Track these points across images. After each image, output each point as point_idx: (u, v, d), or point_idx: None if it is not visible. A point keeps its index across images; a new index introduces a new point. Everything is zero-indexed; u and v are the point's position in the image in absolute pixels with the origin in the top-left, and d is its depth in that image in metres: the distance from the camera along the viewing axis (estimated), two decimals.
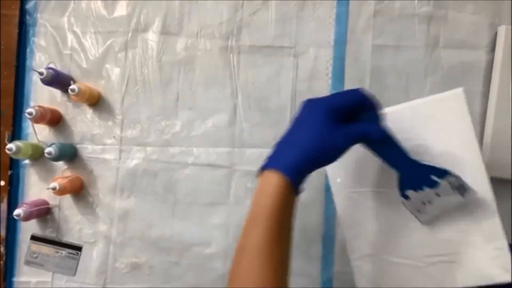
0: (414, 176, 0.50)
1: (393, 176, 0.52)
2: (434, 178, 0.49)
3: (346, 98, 0.45)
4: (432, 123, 0.54)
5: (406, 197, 0.51)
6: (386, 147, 0.49)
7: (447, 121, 0.53)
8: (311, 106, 0.46)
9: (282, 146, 0.45)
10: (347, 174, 0.57)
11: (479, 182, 0.51)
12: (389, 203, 0.55)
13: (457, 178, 0.50)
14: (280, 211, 0.42)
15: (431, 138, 0.53)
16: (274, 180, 0.42)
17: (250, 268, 0.41)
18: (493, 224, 0.52)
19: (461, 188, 0.50)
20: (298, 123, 0.46)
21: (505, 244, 0.51)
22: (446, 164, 0.51)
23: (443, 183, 0.50)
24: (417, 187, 0.50)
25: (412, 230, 0.54)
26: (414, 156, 0.50)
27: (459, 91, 0.53)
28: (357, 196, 0.57)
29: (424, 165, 0.50)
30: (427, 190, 0.50)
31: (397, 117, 0.52)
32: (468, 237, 0.52)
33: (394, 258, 0.55)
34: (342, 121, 0.44)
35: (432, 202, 0.51)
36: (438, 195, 0.50)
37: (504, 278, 0.50)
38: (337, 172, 0.58)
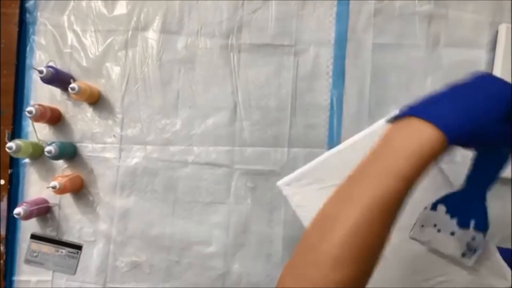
0: (465, 203, 0.47)
1: None
2: (471, 223, 0.47)
3: None
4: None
5: (434, 207, 0.49)
6: (496, 164, 0.45)
7: None
8: (495, 82, 0.38)
9: (445, 101, 0.37)
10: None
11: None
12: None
13: (481, 242, 0.47)
14: (420, 172, 0.34)
15: None
16: (427, 133, 0.34)
17: (369, 224, 0.33)
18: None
19: (471, 250, 0.48)
20: (474, 89, 0.38)
21: (496, 251, 0.50)
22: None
23: (469, 232, 0.47)
24: (452, 212, 0.48)
25: (405, 260, 0.53)
26: None
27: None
28: None
29: (482, 206, 0.47)
30: (452, 222, 0.48)
31: (339, 161, 0.52)
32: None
33: None
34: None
35: (441, 232, 0.49)
36: (452, 234, 0.48)
37: (504, 286, 0.49)
38: (307, 219, 0.54)
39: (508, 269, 0.50)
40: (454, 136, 0.35)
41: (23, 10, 0.71)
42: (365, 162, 0.36)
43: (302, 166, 0.55)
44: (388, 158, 0.34)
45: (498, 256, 0.50)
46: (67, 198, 0.70)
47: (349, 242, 0.33)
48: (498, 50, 0.67)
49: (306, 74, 0.69)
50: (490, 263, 0.50)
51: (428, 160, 0.34)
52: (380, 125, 0.51)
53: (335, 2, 0.69)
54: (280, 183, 0.56)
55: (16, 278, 0.70)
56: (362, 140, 0.52)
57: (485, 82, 0.39)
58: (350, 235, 0.33)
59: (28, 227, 0.70)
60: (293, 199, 0.55)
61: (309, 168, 0.55)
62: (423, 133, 0.34)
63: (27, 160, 0.70)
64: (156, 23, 0.70)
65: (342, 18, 0.69)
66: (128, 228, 0.69)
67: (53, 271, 0.70)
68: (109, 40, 0.71)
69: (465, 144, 0.37)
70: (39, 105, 0.65)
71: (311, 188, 0.54)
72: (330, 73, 0.69)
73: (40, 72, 0.62)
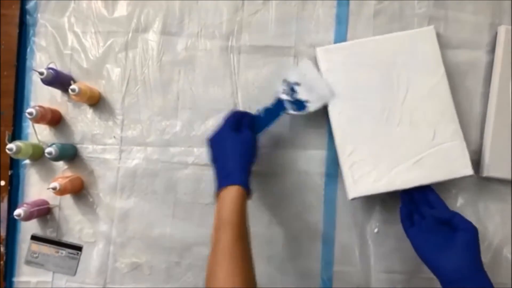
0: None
1: (383, 93, 0.65)
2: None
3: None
4: (402, 54, 0.65)
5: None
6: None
7: (418, 53, 0.65)
8: (220, 135, 0.62)
9: (228, 170, 0.58)
10: (342, 88, 0.66)
11: (440, 95, 0.64)
12: (377, 116, 0.65)
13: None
14: (242, 213, 0.54)
15: (404, 64, 0.65)
16: (233, 191, 0.55)
17: (222, 265, 0.50)
18: (455, 128, 0.64)
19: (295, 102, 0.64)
20: (229, 150, 0.60)
21: (464, 144, 0.63)
22: (414, 91, 0.65)
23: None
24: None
25: (392, 138, 0.65)
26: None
27: (430, 28, 0.66)
28: (350, 109, 0.65)
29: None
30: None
31: (377, 46, 0.66)
32: (435, 139, 0.64)
33: (382, 161, 0.64)
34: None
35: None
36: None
37: (466, 172, 0.63)
38: (332, 86, 0.66)
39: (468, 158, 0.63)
40: (246, 183, 0.57)
41: (23, 12, 0.71)
42: (216, 220, 0.55)
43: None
44: (221, 216, 0.54)
45: (466, 149, 0.64)
46: (67, 199, 0.70)
47: (227, 252, 0.51)
48: (497, 51, 0.67)
49: None
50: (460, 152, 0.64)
51: (242, 205, 0.55)
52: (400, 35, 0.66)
53: (335, 3, 0.70)
54: (319, 48, 0.67)
55: (16, 279, 0.70)
56: (393, 37, 0.66)
57: (219, 142, 0.61)
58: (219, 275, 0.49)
59: (28, 228, 0.70)
60: (324, 64, 0.66)
61: (351, 44, 0.67)
62: (231, 192, 0.55)
63: (27, 161, 0.70)
64: (156, 25, 0.70)
65: (342, 19, 0.69)
66: (128, 229, 0.70)
67: (53, 272, 0.70)
68: (109, 42, 0.71)
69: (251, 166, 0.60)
70: (39, 106, 0.65)
71: (346, 61, 0.66)
72: None
73: (41, 73, 0.62)
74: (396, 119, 0.64)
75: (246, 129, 0.61)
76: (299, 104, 0.64)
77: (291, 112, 0.64)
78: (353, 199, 0.64)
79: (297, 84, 0.65)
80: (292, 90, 0.65)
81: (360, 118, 0.65)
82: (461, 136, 0.63)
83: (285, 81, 0.65)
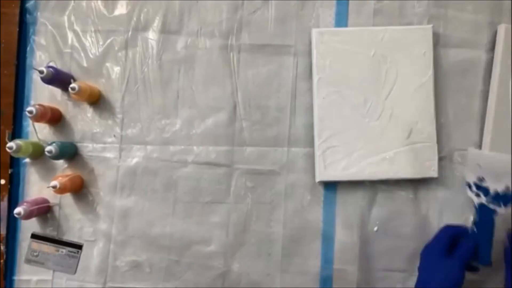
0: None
1: (370, 85, 0.66)
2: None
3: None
4: (396, 49, 0.66)
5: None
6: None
7: (411, 50, 0.66)
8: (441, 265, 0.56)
9: None
10: (330, 73, 0.66)
11: (424, 96, 0.66)
12: (359, 107, 0.66)
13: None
14: None
15: (395, 60, 0.66)
16: None
17: None
18: (431, 131, 0.66)
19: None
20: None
21: (435, 148, 0.65)
22: (400, 87, 0.66)
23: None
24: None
25: (370, 130, 0.66)
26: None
27: (428, 26, 0.67)
28: (334, 95, 0.66)
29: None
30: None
31: (372, 37, 0.66)
32: (410, 138, 0.66)
33: (355, 151, 0.66)
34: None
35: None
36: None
37: (432, 174, 0.66)
38: (322, 69, 0.66)
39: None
40: None
41: (23, 10, 0.71)
42: None
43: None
44: None
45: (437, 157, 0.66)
46: (68, 197, 0.70)
47: None
48: (497, 50, 0.67)
49: (306, 74, 0.69)
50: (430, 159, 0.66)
51: None
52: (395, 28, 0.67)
53: (335, 2, 0.70)
54: (315, 29, 0.67)
55: (16, 277, 0.70)
56: (390, 30, 0.67)
57: (428, 266, 0.56)
58: None
59: (29, 226, 0.70)
60: (319, 47, 0.67)
61: (347, 30, 0.68)
62: None
63: (27, 160, 0.70)
64: (156, 23, 0.70)
65: (342, 18, 0.69)
66: (128, 228, 0.70)
67: (54, 271, 0.70)
68: (109, 40, 0.71)
69: None
70: (39, 105, 0.65)
71: (339, 46, 0.66)
72: None
73: (41, 72, 0.62)
74: (377, 113, 0.66)
75: (457, 258, 0.55)
76: (502, 198, 0.57)
77: (502, 211, 0.56)
78: (320, 182, 0.67)
79: (482, 179, 0.58)
80: (480, 189, 0.58)
81: (342, 106, 0.66)
82: (434, 139, 0.66)
83: (468, 183, 0.60)
